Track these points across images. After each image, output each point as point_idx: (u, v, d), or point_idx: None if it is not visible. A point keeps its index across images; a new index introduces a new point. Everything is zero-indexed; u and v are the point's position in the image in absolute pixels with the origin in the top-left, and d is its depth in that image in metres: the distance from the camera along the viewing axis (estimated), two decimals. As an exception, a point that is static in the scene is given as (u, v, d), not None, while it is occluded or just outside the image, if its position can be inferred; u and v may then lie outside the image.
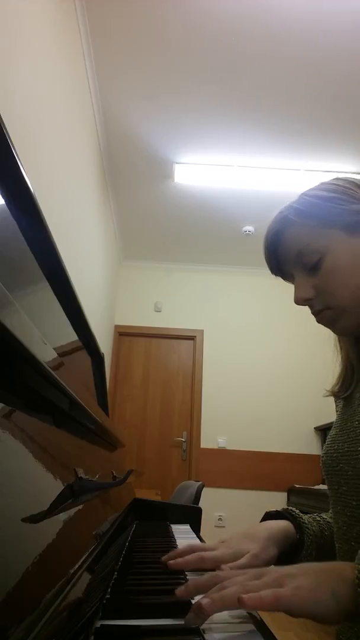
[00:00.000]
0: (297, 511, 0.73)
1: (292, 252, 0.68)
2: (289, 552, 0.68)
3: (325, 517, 0.76)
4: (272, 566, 0.48)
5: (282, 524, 0.69)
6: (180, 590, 0.47)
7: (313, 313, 0.69)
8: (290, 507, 0.74)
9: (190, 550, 0.62)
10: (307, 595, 0.43)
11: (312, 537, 0.70)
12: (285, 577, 0.45)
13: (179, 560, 0.59)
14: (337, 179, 0.69)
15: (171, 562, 0.59)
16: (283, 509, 0.74)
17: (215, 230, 4.09)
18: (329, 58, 2.42)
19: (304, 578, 0.44)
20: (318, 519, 0.75)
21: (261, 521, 0.72)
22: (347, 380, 0.72)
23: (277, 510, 0.74)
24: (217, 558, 0.60)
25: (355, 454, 0.61)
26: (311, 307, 0.69)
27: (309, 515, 0.75)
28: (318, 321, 0.69)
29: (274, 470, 4.11)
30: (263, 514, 0.75)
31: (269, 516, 0.74)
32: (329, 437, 0.72)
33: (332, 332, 0.75)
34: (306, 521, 0.71)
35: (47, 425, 0.48)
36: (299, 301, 0.68)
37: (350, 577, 0.44)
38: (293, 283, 0.72)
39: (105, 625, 0.40)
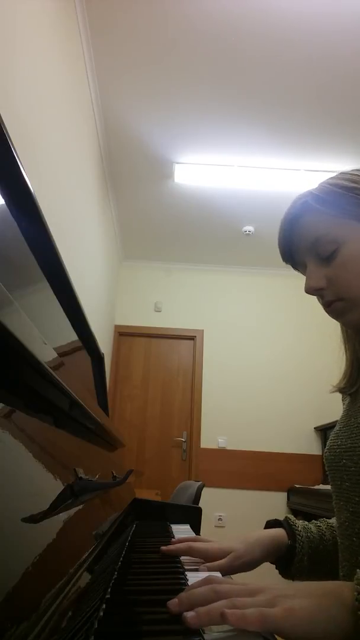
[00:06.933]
0: (293, 519, 0.75)
1: (308, 240, 0.67)
2: (284, 558, 0.72)
3: (329, 521, 0.77)
4: (277, 584, 0.46)
5: (274, 531, 0.72)
6: (172, 604, 0.43)
7: (323, 304, 0.68)
8: (289, 516, 0.77)
9: (187, 542, 0.67)
10: (302, 616, 0.40)
11: (305, 542, 0.72)
12: (280, 598, 0.42)
13: (170, 546, 0.63)
14: (358, 169, 0.68)
15: (163, 547, 0.63)
16: (285, 517, 0.77)
17: (215, 230, 4.09)
18: (329, 58, 2.42)
19: (301, 600, 0.42)
20: (319, 524, 0.77)
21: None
22: (353, 376, 0.72)
23: (275, 519, 0.78)
24: (203, 551, 0.64)
25: (358, 450, 0.62)
26: (321, 298, 0.68)
27: (310, 521, 0.76)
28: (328, 312, 0.68)
29: (274, 470, 4.10)
30: (263, 513, 0.78)
31: (268, 525, 0.77)
32: (333, 432, 0.72)
33: (335, 331, 0.75)
34: (299, 528, 0.73)
35: (47, 425, 0.48)
36: (310, 290, 0.67)
37: (349, 601, 0.41)
38: (302, 272, 0.71)
39: (106, 625, 0.40)
